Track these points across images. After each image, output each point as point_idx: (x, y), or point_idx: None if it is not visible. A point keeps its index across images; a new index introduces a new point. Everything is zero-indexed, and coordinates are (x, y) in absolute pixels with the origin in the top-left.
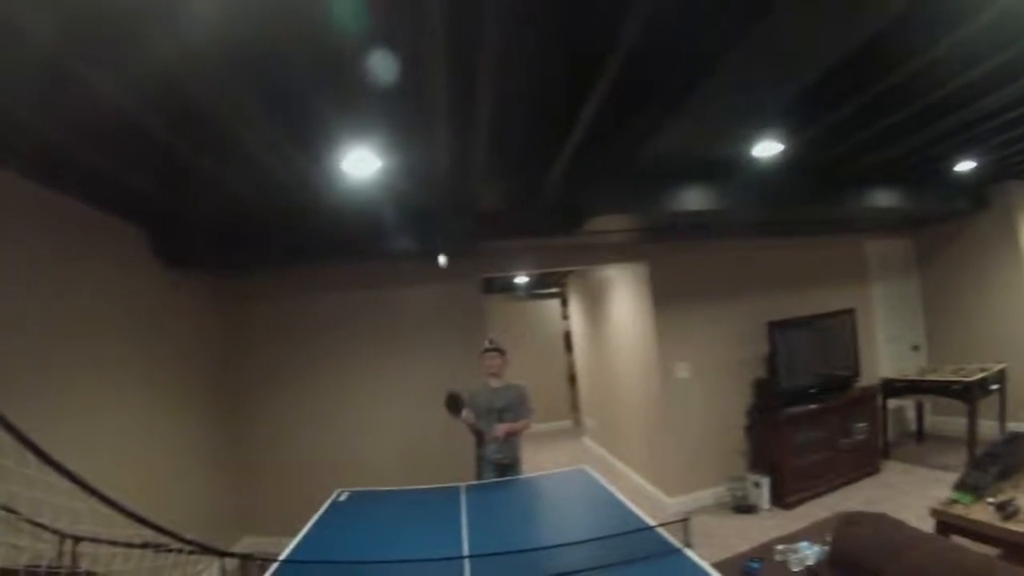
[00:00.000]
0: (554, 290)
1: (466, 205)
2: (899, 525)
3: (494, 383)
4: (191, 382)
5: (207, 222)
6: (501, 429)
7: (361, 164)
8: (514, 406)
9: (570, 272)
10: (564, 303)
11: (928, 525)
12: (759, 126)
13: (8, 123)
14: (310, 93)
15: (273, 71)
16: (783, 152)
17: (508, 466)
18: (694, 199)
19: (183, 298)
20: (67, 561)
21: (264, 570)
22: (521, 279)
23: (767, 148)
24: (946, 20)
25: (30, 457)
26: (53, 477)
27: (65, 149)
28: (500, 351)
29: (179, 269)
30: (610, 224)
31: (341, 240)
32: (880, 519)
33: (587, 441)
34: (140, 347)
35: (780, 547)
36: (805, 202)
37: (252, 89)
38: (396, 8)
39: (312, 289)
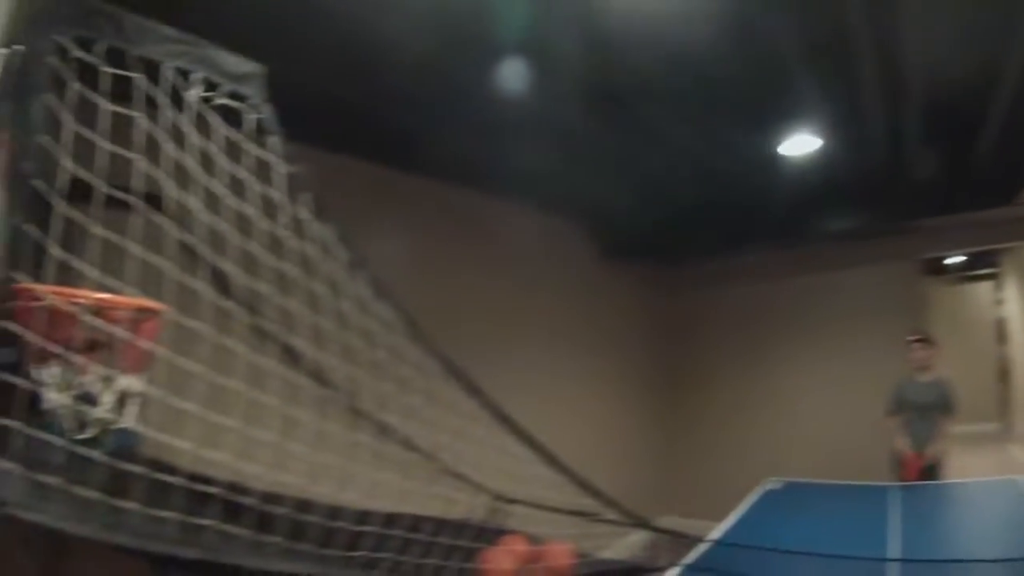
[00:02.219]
0: (987, 271)
1: (895, 181)
2: None
3: (923, 377)
4: (626, 362)
5: (644, 216)
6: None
7: (793, 146)
8: (941, 403)
9: (1010, 249)
10: (999, 286)
11: None
12: None
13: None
14: (744, 83)
15: (702, 65)
16: None
17: (929, 468)
18: None
19: (621, 285)
20: (496, 519)
21: (679, 550)
22: (950, 260)
23: None
24: None
25: (484, 419)
26: (502, 441)
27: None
28: (928, 342)
29: (619, 262)
30: None
31: (773, 225)
32: None
33: (1016, 449)
34: (581, 329)
35: None
36: None
37: (685, 83)
38: None
39: (743, 275)
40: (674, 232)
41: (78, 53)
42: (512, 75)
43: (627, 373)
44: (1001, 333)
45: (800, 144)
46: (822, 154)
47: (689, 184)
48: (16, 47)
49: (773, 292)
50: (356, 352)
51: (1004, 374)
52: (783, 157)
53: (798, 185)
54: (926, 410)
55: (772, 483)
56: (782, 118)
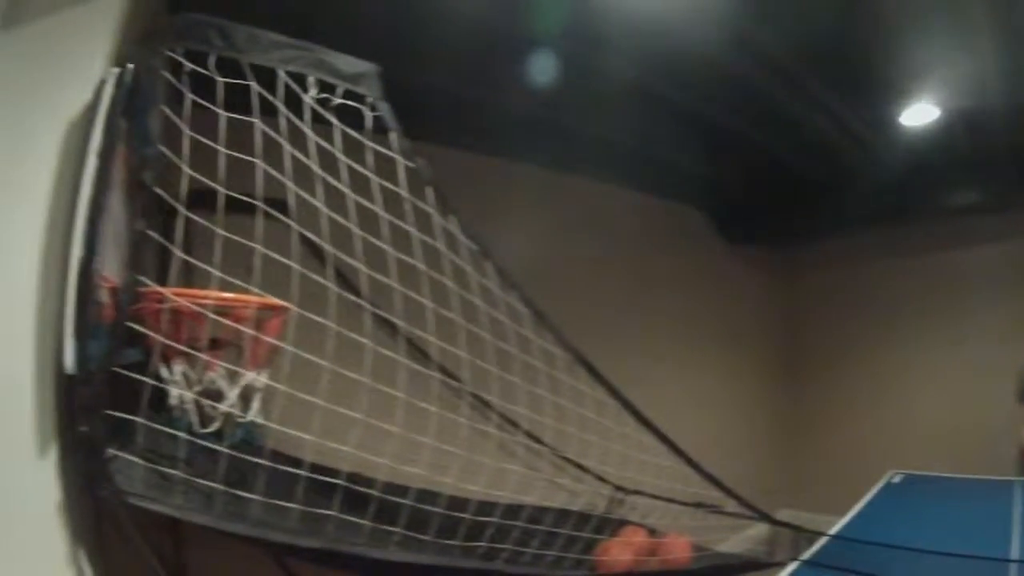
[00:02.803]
0: None
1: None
2: None
3: None
4: (746, 350)
5: (762, 197)
6: None
7: (913, 116)
8: None
9: None
10: None
11: None
12: None
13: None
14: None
15: (821, 41)
16: None
17: None
18: None
19: (742, 271)
20: (617, 511)
21: (798, 544)
22: None
23: None
24: None
25: (609, 410)
26: (625, 431)
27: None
28: None
29: (739, 246)
30: None
31: (893, 201)
32: None
33: None
34: (702, 316)
35: None
36: None
37: (802, 58)
38: None
39: (863, 256)
40: (793, 213)
41: (191, 66)
42: (621, 58)
43: (747, 361)
44: None
45: (919, 114)
46: (942, 125)
47: (807, 163)
48: (128, 65)
49: (894, 272)
50: (483, 343)
51: None
52: (902, 130)
53: (919, 159)
54: None
55: (894, 476)
56: (900, 88)
